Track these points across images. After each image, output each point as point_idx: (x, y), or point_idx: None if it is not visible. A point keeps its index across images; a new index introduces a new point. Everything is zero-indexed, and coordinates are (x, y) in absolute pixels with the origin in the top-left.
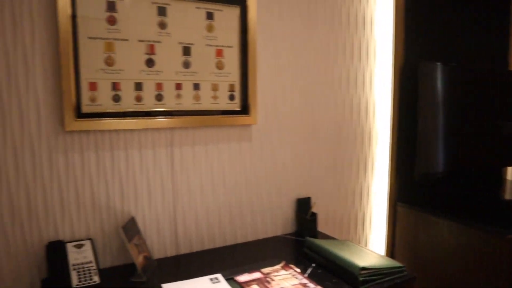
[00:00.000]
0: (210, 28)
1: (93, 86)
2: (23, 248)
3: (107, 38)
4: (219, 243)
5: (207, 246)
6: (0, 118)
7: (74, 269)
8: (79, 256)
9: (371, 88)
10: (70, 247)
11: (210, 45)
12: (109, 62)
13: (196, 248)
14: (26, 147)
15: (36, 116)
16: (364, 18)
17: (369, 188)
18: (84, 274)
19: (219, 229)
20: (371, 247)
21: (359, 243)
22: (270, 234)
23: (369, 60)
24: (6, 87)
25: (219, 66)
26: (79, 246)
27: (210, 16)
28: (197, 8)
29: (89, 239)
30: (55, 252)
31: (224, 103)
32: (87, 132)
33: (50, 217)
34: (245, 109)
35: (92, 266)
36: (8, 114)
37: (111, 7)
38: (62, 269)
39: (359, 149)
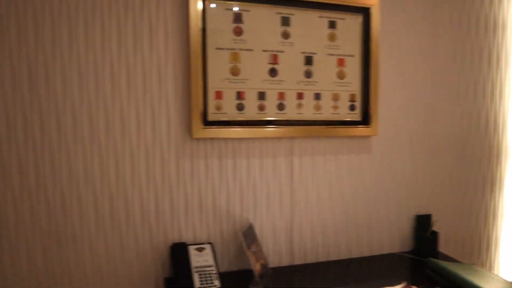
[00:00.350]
0: (332, 37)
1: (219, 95)
2: (150, 247)
3: (233, 49)
4: (333, 256)
5: (322, 258)
6: (135, 124)
7: (196, 272)
8: (201, 259)
9: (501, 99)
10: (192, 249)
11: (332, 54)
12: (235, 71)
13: (311, 259)
14: (156, 153)
15: (166, 123)
16: (494, 22)
17: (496, 208)
18: (206, 277)
19: (334, 241)
20: (497, 274)
21: (483, 267)
22: (386, 250)
23: (500, 68)
24: (142, 95)
25: (340, 75)
26: (200, 250)
27: (332, 25)
28: (320, 17)
29: (209, 243)
30: (179, 253)
31: (344, 113)
32: (212, 139)
33: (175, 219)
34: (365, 120)
35: (212, 270)
36: (143, 120)
37: (237, 18)
38: (186, 270)
39: (486, 165)
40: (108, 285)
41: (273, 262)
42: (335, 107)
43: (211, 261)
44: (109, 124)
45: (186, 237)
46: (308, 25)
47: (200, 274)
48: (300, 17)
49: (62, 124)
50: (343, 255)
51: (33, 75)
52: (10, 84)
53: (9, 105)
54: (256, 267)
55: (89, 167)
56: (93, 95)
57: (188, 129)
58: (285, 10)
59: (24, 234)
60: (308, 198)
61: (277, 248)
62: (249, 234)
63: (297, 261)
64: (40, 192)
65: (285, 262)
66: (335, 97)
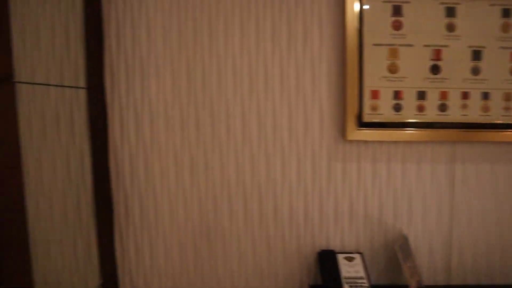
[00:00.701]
0: (505, 28)
1: (375, 94)
2: (297, 251)
3: (391, 44)
4: (499, 280)
5: (484, 280)
6: (287, 124)
7: (347, 283)
8: (351, 270)
9: None
10: (341, 258)
11: (505, 48)
12: (392, 69)
13: (471, 281)
14: (307, 154)
15: (319, 123)
16: None
17: None
18: None
19: (500, 263)
20: None
21: None
22: None
23: None
24: (294, 94)
25: None
26: (350, 259)
27: (506, 13)
28: (491, 5)
29: (359, 253)
30: (327, 261)
31: None
32: (366, 142)
33: (324, 225)
34: None
35: (364, 283)
36: (295, 120)
37: (397, 11)
38: (335, 280)
39: None
40: (253, 285)
41: (427, 279)
42: (507, 109)
43: (362, 273)
44: (261, 124)
45: (334, 244)
46: (477, 15)
47: (350, 286)
48: (467, 6)
49: (216, 123)
50: (511, 280)
51: (192, 75)
52: (171, 86)
53: (168, 105)
54: (412, 284)
55: (240, 166)
56: (246, 95)
57: (341, 130)
58: (451, 0)
59: (177, 230)
60: (471, 211)
61: (432, 265)
62: (404, 247)
63: (455, 281)
64: (194, 188)
65: (441, 280)
66: (507, 97)
